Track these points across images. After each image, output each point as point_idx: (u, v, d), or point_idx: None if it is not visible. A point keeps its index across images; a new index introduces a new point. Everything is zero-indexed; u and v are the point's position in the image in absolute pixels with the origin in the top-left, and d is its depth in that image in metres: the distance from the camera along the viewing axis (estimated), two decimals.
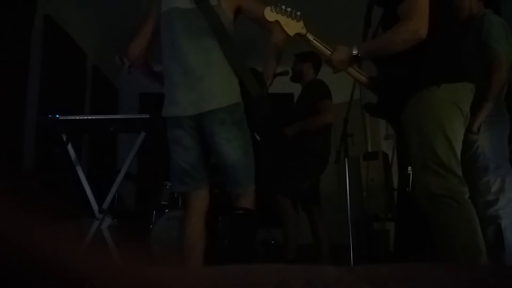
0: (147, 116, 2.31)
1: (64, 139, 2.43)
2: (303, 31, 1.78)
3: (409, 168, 1.83)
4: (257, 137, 3.12)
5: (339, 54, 1.77)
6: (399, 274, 0.48)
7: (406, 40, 1.61)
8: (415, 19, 1.59)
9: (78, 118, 2.34)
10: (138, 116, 2.37)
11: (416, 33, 1.59)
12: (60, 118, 2.27)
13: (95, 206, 2.38)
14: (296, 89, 3.39)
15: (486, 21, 2.22)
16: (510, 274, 0.51)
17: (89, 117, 2.37)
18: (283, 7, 1.75)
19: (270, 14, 1.74)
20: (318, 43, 1.83)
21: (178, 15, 1.88)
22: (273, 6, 1.74)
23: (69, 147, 2.44)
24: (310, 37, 1.80)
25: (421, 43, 1.61)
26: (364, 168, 4.28)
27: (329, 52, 1.81)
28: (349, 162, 2.64)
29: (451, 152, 1.60)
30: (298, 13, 1.76)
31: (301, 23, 1.78)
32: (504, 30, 2.21)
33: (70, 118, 2.30)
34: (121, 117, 2.44)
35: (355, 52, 1.74)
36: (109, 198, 2.39)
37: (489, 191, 2.19)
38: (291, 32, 1.77)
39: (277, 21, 1.75)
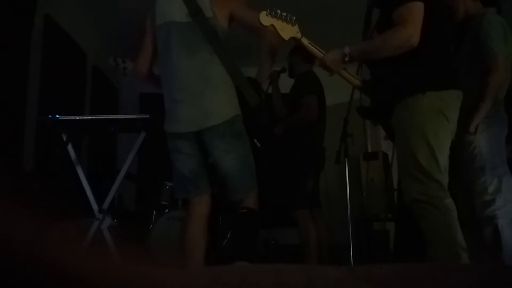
0: (147, 116, 2.31)
1: (64, 139, 2.43)
2: (298, 35, 1.80)
3: None
4: (257, 143, 3.11)
5: (331, 54, 1.81)
6: (399, 274, 0.48)
7: (397, 47, 1.66)
8: (408, 27, 1.64)
9: (78, 118, 2.34)
10: (138, 116, 2.37)
11: (408, 41, 1.64)
12: (60, 118, 2.28)
13: (95, 206, 2.38)
14: None
15: (484, 21, 2.21)
16: (508, 274, 0.51)
17: (89, 117, 2.38)
18: (278, 11, 1.75)
19: (265, 19, 1.74)
20: (313, 48, 1.84)
21: (174, 29, 1.88)
22: (268, 11, 1.74)
23: (69, 147, 2.44)
24: (305, 41, 1.82)
25: (413, 49, 1.64)
26: (364, 168, 4.27)
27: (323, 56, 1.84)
28: (349, 162, 2.64)
29: (432, 158, 1.64)
30: (293, 18, 1.77)
31: (296, 27, 1.79)
32: (502, 30, 2.20)
33: (70, 118, 2.30)
34: (121, 117, 2.44)
35: (347, 51, 1.77)
36: (109, 198, 2.39)
37: (486, 192, 2.19)
38: (286, 36, 1.78)
39: (272, 26, 1.75)
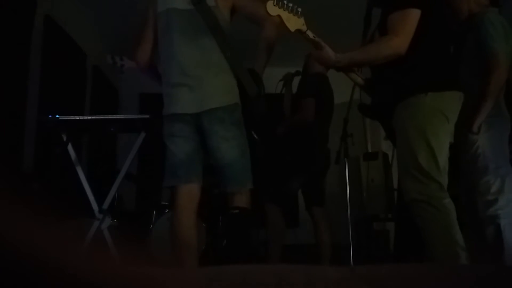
0: (147, 116, 2.31)
1: (64, 139, 2.43)
2: (304, 28, 1.77)
3: None
4: (255, 136, 3.10)
5: (329, 52, 1.80)
6: (399, 274, 0.48)
7: (387, 56, 1.70)
8: (400, 36, 1.67)
9: (78, 118, 2.34)
10: (138, 116, 2.37)
11: (397, 50, 1.68)
12: (60, 118, 2.27)
13: (95, 206, 2.38)
14: None
15: (486, 20, 2.22)
16: (509, 274, 0.51)
17: (89, 117, 2.38)
18: (285, 2, 1.72)
19: (272, 8, 1.70)
20: (318, 41, 1.81)
21: (175, 16, 1.89)
22: (275, 1, 1.70)
23: (69, 147, 2.44)
24: (310, 34, 1.79)
25: (414, 50, 1.65)
26: (364, 168, 4.28)
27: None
28: (349, 162, 2.64)
29: (432, 159, 1.65)
30: (300, 9, 1.74)
31: (302, 20, 1.76)
32: (503, 30, 2.20)
33: (70, 118, 2.30)
34: (121, 117, 2.44)
35: (338, 59, 1.78)
36: (109, 198, 2.39)
37: (488, 191, 2.19)
38: (292, 27, 1.74)
39: (278, 16, 1.72)
